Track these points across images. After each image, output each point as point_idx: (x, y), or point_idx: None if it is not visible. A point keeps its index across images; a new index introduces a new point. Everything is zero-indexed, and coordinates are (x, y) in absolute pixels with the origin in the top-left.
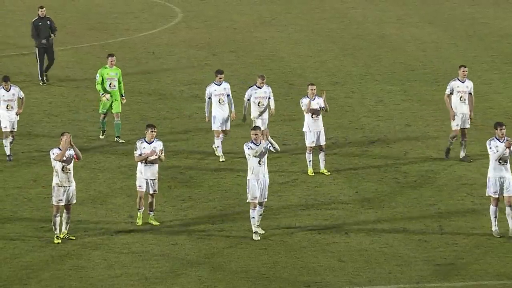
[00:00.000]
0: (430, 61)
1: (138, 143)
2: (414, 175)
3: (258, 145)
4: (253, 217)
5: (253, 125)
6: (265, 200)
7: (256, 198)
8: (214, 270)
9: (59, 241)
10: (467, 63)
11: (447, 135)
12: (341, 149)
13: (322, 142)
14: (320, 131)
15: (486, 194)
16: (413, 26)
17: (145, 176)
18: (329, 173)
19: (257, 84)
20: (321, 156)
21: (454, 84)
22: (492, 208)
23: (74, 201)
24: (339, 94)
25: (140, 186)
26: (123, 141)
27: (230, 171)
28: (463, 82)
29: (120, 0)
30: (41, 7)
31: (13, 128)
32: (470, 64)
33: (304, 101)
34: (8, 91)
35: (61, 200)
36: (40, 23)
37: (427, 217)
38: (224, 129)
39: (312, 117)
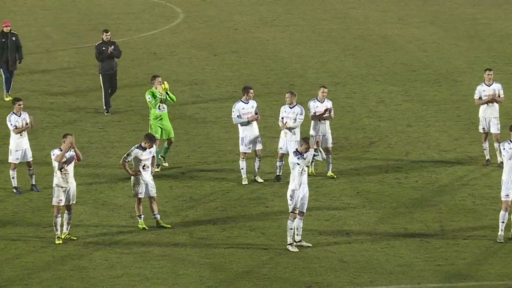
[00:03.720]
0: (432, 61)
1: (136, 151)
2: (415, 176)
3: (305, 154)
4: (291, 228)
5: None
6: (305, 211)
7: (298, 208)
8: (215, 270)
9: (60, 241)
10: (469, 64)
11: (448, 136)
12: (342, 149)
13: (329, 144)
14: (326, 135)
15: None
16: (414, 26)
17: (145, 179)
18: (336, 177)
19: (287, 103)
20: (328, 159)
21: (480, 88)
22: (501, 212)
23: (75, 202)
24: (340, 95)
25: (140, 193)
26: (166, 164)
27: (231, 172)
28: (489, 86)
29: (121, 0)
30: (106, 31)
31: (30, 158)
32: (471, 65)
33: (312, 105)
34: (19, 116)
35: (61, 200)
36: (103, 48)
37: (428, 217)
38: (255, 149)
39: (320, 121)
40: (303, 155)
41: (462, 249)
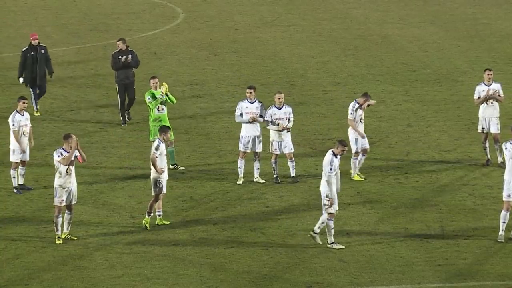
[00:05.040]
0: (432, 61)
1: (161, 145)
2: (415, 176)
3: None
4: (333, 228)
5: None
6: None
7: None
8: (216, 270)
9: (61, 241)
10: (469, 64)
11: (449, 136)
12: None
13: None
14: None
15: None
16: (415, 26)
17: (165, 176)
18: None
19: (275, 104)
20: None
21: (480, 88)
22: (502, 213)
23: (75, 201)
24: (341, 95)
25: (162, 189)
26: (183, 168)
27: (231, 172)
28: (488, 86)
29: (121, 0)
30: (121, 40)
31: (27, 158)
32: (471, 65)
33: (356, 106)
34: (23, 115)
35: (63, 200)
36: (119, 57)
37: (428, 217)
38: (255, 150)
39: (361, 121)
40: (338, 158)
41: (462, 249)
